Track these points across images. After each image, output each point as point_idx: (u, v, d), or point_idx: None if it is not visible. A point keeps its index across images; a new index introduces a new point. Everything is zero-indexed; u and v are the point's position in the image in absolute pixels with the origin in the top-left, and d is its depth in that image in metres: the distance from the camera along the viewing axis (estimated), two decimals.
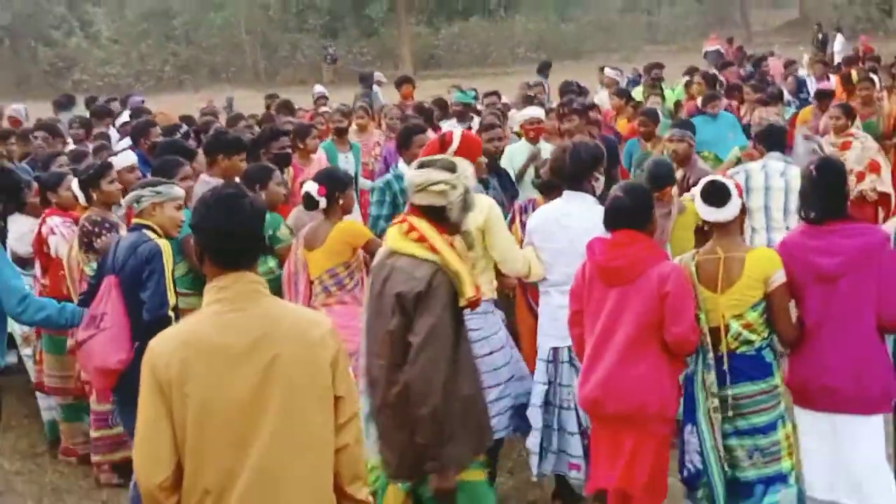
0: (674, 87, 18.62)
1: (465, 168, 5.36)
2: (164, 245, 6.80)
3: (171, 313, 6.66)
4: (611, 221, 6.27)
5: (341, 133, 12.72)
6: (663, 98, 15.79)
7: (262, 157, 10.08)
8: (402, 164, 9.00)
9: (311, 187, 7.52)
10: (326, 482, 4.07)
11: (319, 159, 11.34)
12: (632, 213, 6.19)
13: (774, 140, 9.63)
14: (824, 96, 14.31)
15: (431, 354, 5.16)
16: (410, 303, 5.19)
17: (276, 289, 7.45)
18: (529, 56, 55.90)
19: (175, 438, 3.93)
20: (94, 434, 8.32)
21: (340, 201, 7.58)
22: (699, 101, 14.88)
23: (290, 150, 10.52)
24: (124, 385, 6.52)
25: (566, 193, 7.22)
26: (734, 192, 6.26)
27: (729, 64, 22.10)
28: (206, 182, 8.43)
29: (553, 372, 7.07)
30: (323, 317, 4.34)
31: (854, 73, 17.74)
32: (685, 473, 6.36)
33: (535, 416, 7.08)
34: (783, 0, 70.30)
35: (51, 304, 7.04)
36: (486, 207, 6.99)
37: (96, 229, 7.87)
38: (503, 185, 9.38)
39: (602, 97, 16.76)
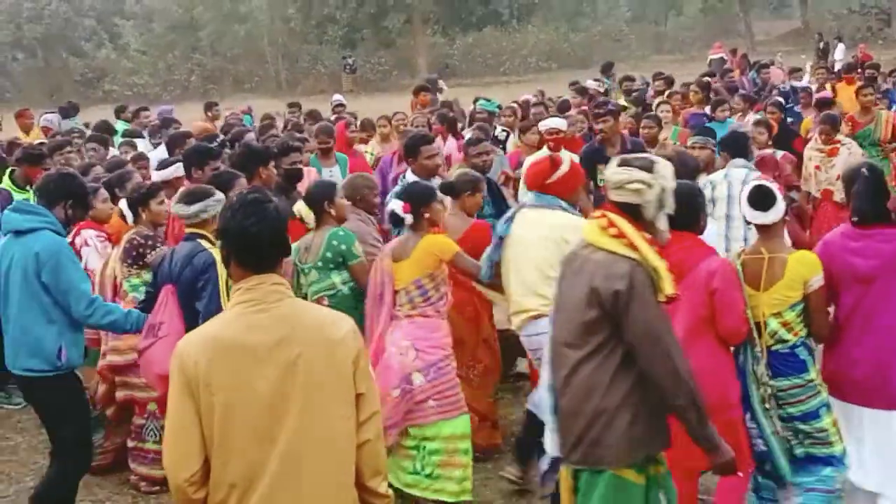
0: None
1: (664, 168, 5.14)
2: (218, 255, 6.58)
3: None
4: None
5: (326, 153, 12.18)
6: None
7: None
8: (409, 175, 9.20)
9: (396, 205, 7.32)
10: (348, 477, 4.09)
11: (308, 172, 10.73)
12: (678, 214, 5.98)
13: (738, 147, 9.36)
14: (826, 105, 14.27)
15: (662, 349, 4.94)
16: (609, 300, 4.98)
17: (344, 305, 7.18)
18: (541, 65, 56.82)
19: (203, 435, 3.97)
20: (129, 444, 8.15)
21: (426, 215, 7.36)
22: (707, 108, 14.98)
23: (300, 166, 9.95)
24: None
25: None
26: (779, 195, 6.42)
27: (729, 70, 22.63)
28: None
29: None
30: (345, 317, 4.26)
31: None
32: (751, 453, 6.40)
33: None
34: (785, 10, 70.86)
35: (117, 309, 7.07)
36: (575, 228, 7.01)
37: (149, 242, 7.86)
38: (495, 200, 9.36)
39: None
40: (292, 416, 3.96)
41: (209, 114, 19.37)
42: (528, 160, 8.11)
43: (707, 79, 18.71)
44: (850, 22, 58.05)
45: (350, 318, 4.29)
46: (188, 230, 7.10)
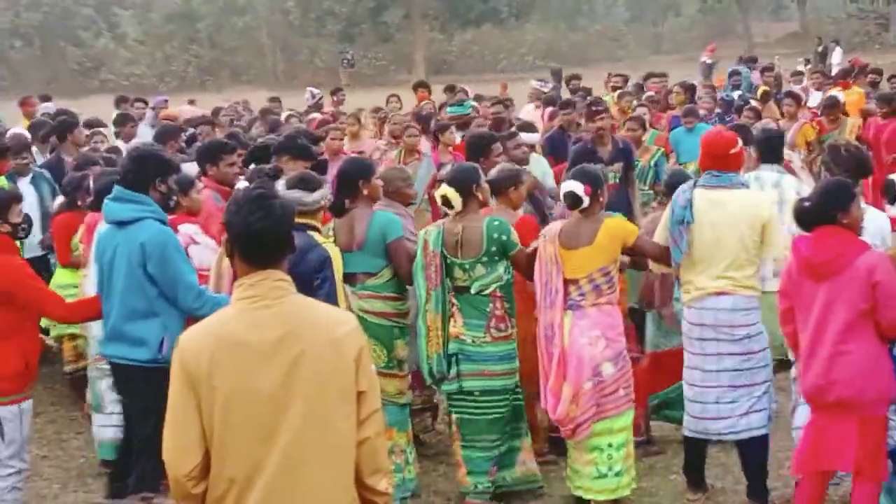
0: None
1: None
2: (334, 251, 6.77)
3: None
4: (802, 223, 6.33)
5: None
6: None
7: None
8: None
9: (577, 187, 7.05)
10: (348, 474, 4.07)
11: None
12: (823, 211, 6.22)
13: (771, 148, 9.22)
14: (833, 108, 14.28)
15: None
16: None
17: (510, 294, 7.31)
18: (538, 63, 56.88)
19: (203, 430, 3.95)
20: None
21: (601, 199, 7.17)
22: (681, 111, 14.96)
23: (324, 158, 9.88)
24: None
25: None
26: None
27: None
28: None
29: None
30: (348, 315, 4.29)
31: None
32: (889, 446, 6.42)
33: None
34: (784, 13, 70.99)
35: (226, 299, 6.64)
36: (770, 205, 7.12)
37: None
38: (533, 200, 9.32)
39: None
40: (293, 413, 3.93)
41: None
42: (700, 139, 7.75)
43: (691, 81, 18.85)
44: (848, 26, 58.40)
45: (353, 316, 4.26)
46: (298, 220, 6.79)
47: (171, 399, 4.01)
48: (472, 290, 7.23)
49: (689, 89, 17.08)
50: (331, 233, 7.46)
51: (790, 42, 58.20)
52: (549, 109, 15.81)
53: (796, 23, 65.60)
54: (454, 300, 7.28)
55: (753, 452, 7.15)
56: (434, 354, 7.21)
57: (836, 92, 18.10)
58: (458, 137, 12.01)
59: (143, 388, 6.65)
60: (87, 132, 12.74)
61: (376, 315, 7.22)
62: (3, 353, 6.68)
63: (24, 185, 10.15)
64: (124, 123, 14.09)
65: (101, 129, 13.35)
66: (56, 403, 9.85)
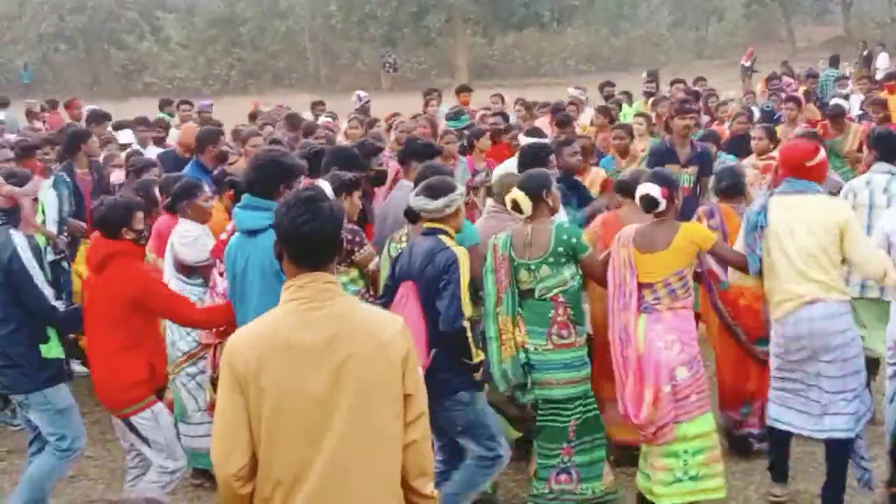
0: (631, 104, 18.68)
1: None
2: (462, 254, 6.63)
3: (465, 324, 6.51)
4: None
5: None
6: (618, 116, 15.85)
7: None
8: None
9: (653, 189, 7.09)
10: (395, 476, 4.07)
11: None
12: None
13: (887, 148, 8.64)
14: (838, 115, 13.83)
15: None
16: None
17: (575, 299, 7.31)
18: (580, 67, 57.00)
19: (251, 431, 3.97)
20: None
21: (676, 202, 7.23)
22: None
23: (386, 168, 9.89)
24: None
25: None
26: None
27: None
28: (405, 186, 8.39)
29: None
30: (395, 317, 4.30)
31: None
32: None
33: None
34: (828, 17, 70.26)
35: None
36: (846, 211, 7.09)
37: (357, 239, 7.35)
38: (581, 201, 9.38)
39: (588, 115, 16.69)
40: (341, 415, 3.93)
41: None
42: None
43: (696, 88, 18.62)
44: (892, 30, 57.71)
45: (400, 319, 4.28)
46: (427, 225, 6.80)
47: (220, 400, 4.04)
48: (536, 294, 7.21)
49: (695, 95, 16.87)
50: (404, 238, 7.49)
51: (834, 46, 57.69)
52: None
53: (840, 27, 65.13)
54: (519, 307, 7.22)
55: (836, 454, 7.08)
56: (508, 359, 7.14)
57: (882, 96, 18.09)
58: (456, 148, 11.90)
59: None
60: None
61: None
62: (131, 362, 6.71)
63: (46, 189, 10.03)
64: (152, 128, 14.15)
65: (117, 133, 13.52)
66: (100, 404, 9.66)
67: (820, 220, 6.89)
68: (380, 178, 9.52)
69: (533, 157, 8.77)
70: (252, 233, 6.47)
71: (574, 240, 7.22)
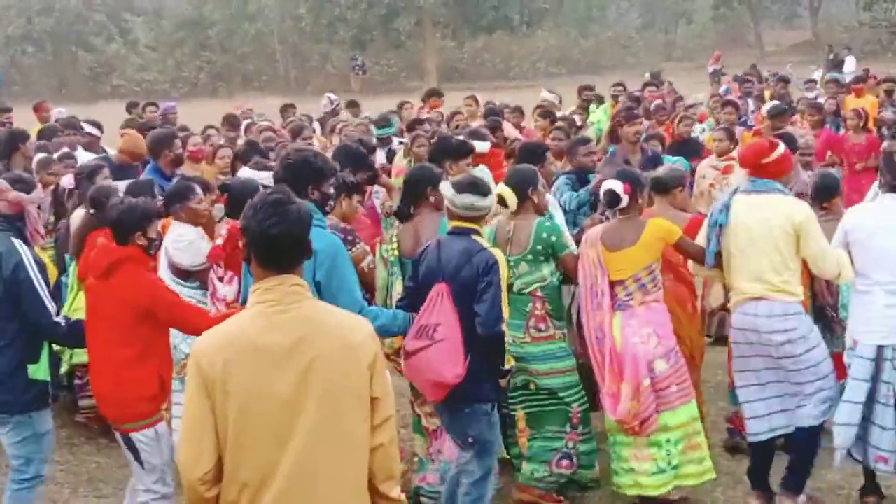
0: (597, 106, 18.68)
1: None
2: (500, 256, 6.47)
3: (504, 328, 6.40)
4: None
5: None
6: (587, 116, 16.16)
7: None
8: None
9: (615, 185, 7.24)
10: (361, 480, 4.06)
11: None
12: None
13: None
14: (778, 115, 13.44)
15: None
16: None
17: (554, 296, 7.37)
18: (550, 70, 57.18)
19: (217, 435, 3.95)
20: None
21: (640, 200, 7.38)
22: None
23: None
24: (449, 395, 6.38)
25: (889, 195, 7.08)
26: None
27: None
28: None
29: (875, 369, 6.95)
30: (363, 321, 4.27)
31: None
32: None
33: (853, 412, 6.97)
34: (796, 21, 70.74)
35: (384, 312, 6.55)
36: (802, 209, 7.12)
37: (349, 238, 7.19)
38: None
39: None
40: (307, 418, 3.92)
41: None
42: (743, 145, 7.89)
43: (637, 92, 18.70)
44: (860, 34, 58.27)
45: (368, 322, 4.24)
46: (457, 224, 6.57)
47: (187, 404, 4.01)
48: (515, 289, 7.22)
49: (636, 101, 16.91)
50: (394, 240, 7.43)
51: (802, 50, 58.21)
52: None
53: (808, 31, 65.62)
54: None
55: (799, 443, 7.14)
56: None
57: (849, 98, 18.27)
58: (382, 156, 11.92)
59: None
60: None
61: None
62: (141, 375, 6.34)
63: None
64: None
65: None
66: (67, 408, 9.60)
67: (777, 220, 6.96)
68: (372, 179, 9.27)
69: (530, 154, 8.81)
70: None
71: (553, 238, 7.26)
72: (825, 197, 8.09)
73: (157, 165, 10.27)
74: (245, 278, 6.59)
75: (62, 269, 9.09)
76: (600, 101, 18.91)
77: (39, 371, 6.73)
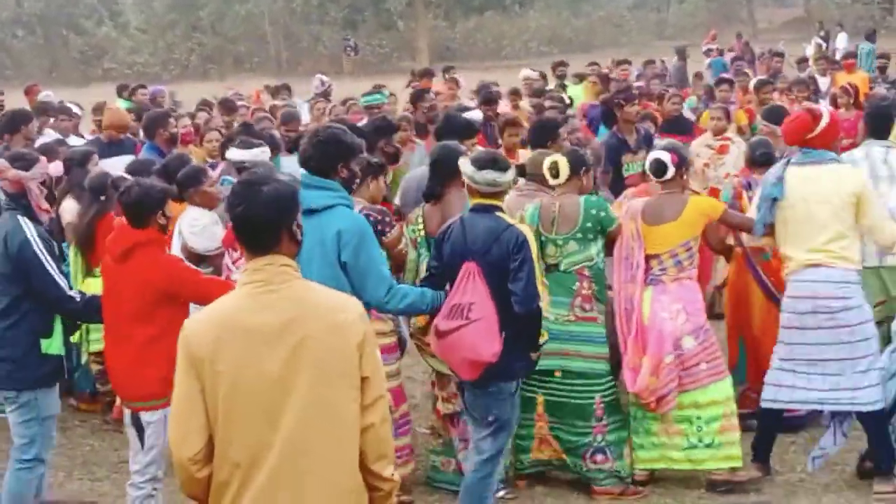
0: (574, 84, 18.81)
1: None
2: (529, 232, 6.48)
3: (541, 304, 6.40)
4: None
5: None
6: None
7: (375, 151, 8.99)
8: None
9: (664, 155, 7.32)
10: (352, 459, 4.07)
11: None
12: None
13: (880, 122, 8.77)
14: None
15: None
16: None
17: (600, 277, 7.45)
18: (542, 50, 56.84)
19: (208, 414, 3.98)
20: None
21: (684, 175, 7.48)
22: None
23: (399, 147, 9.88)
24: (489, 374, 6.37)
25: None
26: None
27: (739, 58, 23.22)
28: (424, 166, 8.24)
29: None
30: (353, 300, 4.28)
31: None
32: None
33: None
34: None
35: (412, 290, 6.48)
36: (861, 178, 7.26)
37: (387, 219, 7.15)
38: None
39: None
40: (297, 397, 3.94)
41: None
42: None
43: (605, 70, 18.89)
44: (853, 10, 57.89)
45: (358, 302, 4.25)
46: (479, 201, 6.52)
47: (177, 384, 4.05)
48: (561, 267, 7.29)
49: (605, 79, 17.10)
50: (419, 220, 7.42)
51: (795, 27, 58.05)
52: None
53: (801, 8, 65.26)
54: (543, 278, 7.20)
55: (868, 427, 7.21)
56: None
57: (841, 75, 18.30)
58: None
59: None
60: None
61: None
62: (156, 356, 6.30)
63: None
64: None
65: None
66: (61, 392, 9.57)
67: (835, 189, 7.05)
68: (391, 157, 9.33)
69: (543, 131, 9.02)
70: (312, 212, 6.03)
71: (602, 213, 7.34)
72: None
73: (154, 144, 10.40)
74: None
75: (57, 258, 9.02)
76: (581, 78, 18.93)
77: (52, 346, 6.76)
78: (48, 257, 6.68)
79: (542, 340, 6.51)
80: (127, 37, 60.95)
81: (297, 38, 60.69)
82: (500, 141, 10.52)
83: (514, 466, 7.59)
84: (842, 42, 36.23)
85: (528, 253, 6.26)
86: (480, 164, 6.45)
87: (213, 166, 10.25)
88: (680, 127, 12.50)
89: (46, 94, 18.51)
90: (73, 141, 12.10)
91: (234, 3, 60.96)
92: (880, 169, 8.43)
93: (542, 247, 7.26)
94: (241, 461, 3.96)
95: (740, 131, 13.39)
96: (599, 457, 7.34)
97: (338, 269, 6.07)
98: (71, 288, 6.82)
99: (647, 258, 7.27)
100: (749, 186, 8.43)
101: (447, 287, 6.47)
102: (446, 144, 7.78)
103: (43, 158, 7.22)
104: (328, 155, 6.20)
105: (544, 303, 6.91)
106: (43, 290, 6.65)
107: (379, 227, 6.90)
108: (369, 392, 4.07)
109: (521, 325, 6.30)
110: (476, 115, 10.98)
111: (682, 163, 7.38)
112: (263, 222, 4.03)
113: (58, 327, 6.81)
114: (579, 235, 7.29)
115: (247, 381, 3.94)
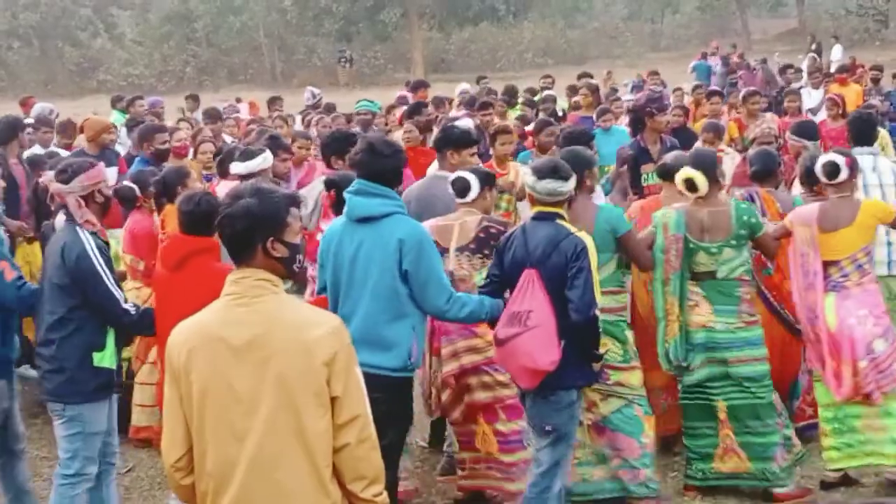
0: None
1: None
2: (589, 240, 6.35)
3: (598, 313, 6.27)
4: None
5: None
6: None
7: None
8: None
9: (837, 158, 7.36)
10: (321, 475, 4.01)
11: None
12: None
13: (863, 131, 8.95)
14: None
15: None
16: None
17: (754, 282, 7.61)
18: (536, 61, 56.89)
19: (187, 424, 4.04)
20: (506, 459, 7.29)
21: (854, 179, 7.49)
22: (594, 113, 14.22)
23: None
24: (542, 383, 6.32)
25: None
26: None
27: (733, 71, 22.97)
28: (439, 176, 8.30)
29: None
30: (327, 316, 4.21)
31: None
32: None
33: None
34: (782, 9, 70.62)
35: (471, 299, 6.38)
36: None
37: (505, 230, 7.07)
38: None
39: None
40: (264, 412, 3.95)
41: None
42: None
43: (596, 82, 18.78)
44: (847, 23, 58.05)
45: (336, 318, 4.22)
46: (540, 209, 6.48)
47: (164, 391, 4.14)
48: (720, 275, 7.24)
49: (596, 91, 16.99)
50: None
51: (788, 39, 58.19)
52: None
53: (795, 20, 65.44)
54: (696, 288, 7.25)
55: None
56: (672, 340, 7.18)
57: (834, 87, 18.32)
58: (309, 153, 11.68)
59: (390, 397, 6.04)
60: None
61: (603, 312, 6.57)
62: None
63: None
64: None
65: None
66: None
67: None
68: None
69: (576, 142, 8.79)
70: (367, 220, 6.16)
71: (753, 220, 7.29)
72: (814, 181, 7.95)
73: (146, 158, 10.45)
74: None
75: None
76: (573, 91, 18.92)
77: (105, 359, 6.63)
78: (106, 270, 6.54)
79: (602, 350, 6.46)
80: (122, 49, 61.15)
81: (291, 50, 60.84)
82: (490, 151, 10.47)
83: (684, 475, 7.51)
84: (836, 54, 36.21)
85: (587, 261, 6.20)
86: (541, 173, 6.41)
87: (209, 178, 10.33)
88: (684, 137, 12.35)
89: (42, 107, 18.25)
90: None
91: (228, 14, 61.01)
92: (869, 177, 8.51)
93: (690, 254, 7.26)
94: (212, 472, 4.01)
95: (732, 143, 13.37)
96: (784, 452, 7.27)
97: (397, 278, 6.09)
98: (126, 301, 6.75)
99: (826, 264, 7.23)
100: (752, 199, 8.29)
101: (506, 295, 6.45)
102: (572, 149, 7.65)
103: (99, 165, 6.97)
104: (381, 162, 6.26)
105: (706, 314, 7.14)
106: (99, 302, 6.51)
107: (493, 241, 7.00)
108: (342, 412, 4.01)
109: (578, 333, 6.24)
110: (467, 122, 11.02)
111: (855, 167, 7.38)
112: (233, 234, 4.06)
113: (110, 340, 6.68)
114: (733, 242, 7.24)
115: (215, 393, 3.98)
